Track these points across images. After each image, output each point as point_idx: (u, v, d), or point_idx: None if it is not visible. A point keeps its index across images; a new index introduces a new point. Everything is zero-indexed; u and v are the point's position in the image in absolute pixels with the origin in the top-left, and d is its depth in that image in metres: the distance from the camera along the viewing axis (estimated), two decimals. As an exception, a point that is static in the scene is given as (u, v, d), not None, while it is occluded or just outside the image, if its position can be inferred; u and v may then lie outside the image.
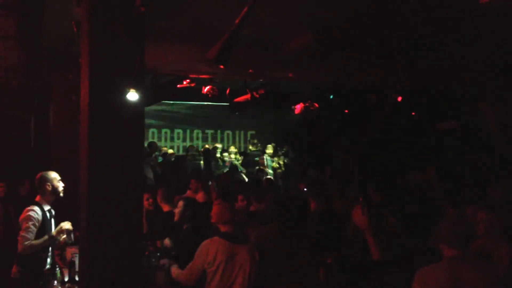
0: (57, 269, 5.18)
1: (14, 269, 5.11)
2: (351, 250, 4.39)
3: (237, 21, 3.33)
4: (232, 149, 13.54)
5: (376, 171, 10.43)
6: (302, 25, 6.71)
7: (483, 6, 5.12)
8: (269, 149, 13.27)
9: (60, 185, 5.31)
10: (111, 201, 4.09)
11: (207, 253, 4.06)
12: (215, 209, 4.31)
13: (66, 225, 5.21)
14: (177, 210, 5.66)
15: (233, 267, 4.04)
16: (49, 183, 5.24)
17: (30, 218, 5.03)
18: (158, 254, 5.28)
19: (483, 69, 8.53)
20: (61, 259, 5.73)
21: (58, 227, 5.20)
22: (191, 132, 15.77)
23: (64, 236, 5.23)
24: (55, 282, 4.90)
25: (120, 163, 4.10)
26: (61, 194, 5.31)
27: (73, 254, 5.25)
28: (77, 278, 4.90)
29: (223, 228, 4.23)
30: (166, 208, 6.60)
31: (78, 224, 4.68)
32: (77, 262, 5.01)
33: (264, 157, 13.00)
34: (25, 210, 5.10)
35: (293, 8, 6.00)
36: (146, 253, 5.27)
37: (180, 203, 5.62)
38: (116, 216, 4.09)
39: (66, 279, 5.15)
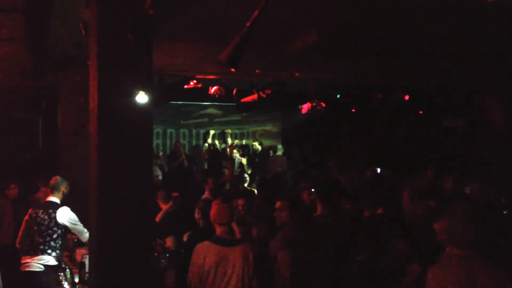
0: (67, 270, 5.22)
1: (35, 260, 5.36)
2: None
3: (248, 24, 3.31)
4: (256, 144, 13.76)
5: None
6: (308, 24, 6.71)
7: (490, 4, 5.12)
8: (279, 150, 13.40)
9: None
10: (121, 201, 4.11)
11: (198, 257, 4.08)
12: (213, 210, 4.30)
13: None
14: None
15: (225, 269, 4.05)
16: (65, 187, 5.67)
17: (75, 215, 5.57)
18: (167, 254, 5.30)
19: (490, 66, 8.49)
20: (70, 260, 5.77)
21: None
22: (197, 132, 15.77)
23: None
24: (66, 283, 4.93)
25: (129, 164, 4.12)
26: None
27: (83, 255, 5.28)
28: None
29: (218, 230, 4.23)
30: (164, 208, 6.91)
31: (88, 224, 4.72)
32: (87, 263, 5.04)
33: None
34: (64, 211, 5.51)
35: (299, 8, 6.00)
36: (156, 254, 5.30)
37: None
38: (126, 217, 4.11)
39: (76, 280, 5.18)
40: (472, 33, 6.91)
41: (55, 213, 5.46)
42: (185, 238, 5.53)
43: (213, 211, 4.29)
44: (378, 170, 9.89)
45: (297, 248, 4.32)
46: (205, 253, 4.06)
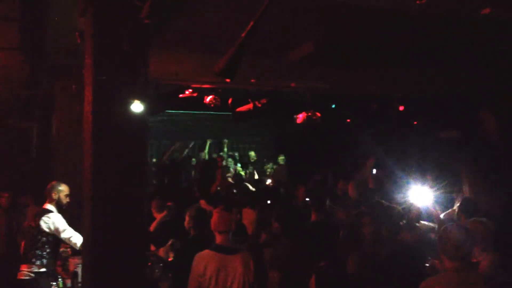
0: (60, 279, 5.18)
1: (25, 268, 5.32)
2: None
3: (243, 34, 3.30)
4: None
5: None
6: (304, 34, 6.73)
7: (484, 16, 5.16)
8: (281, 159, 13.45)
9: (65, 200, 5.58)
10: (115, 211, 4.09)
11: (198, 266, 4.07)
12: (214, 218, 4.31)
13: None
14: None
15: (225, 278, 4.04)
16: (55, 192, 5.52)
17: (62, 222, 5.40)
18: (161, 264, 5.27)
19: (485, 78, 8.53)
20: (63, 269, 5.72)
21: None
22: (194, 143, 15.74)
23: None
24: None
25: (124, 173, 4.11)
26: (63, 208, 5.59)
27: (76, 264, 5.25)
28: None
29: (218, 238, 4.23)
30: (158, 218, 6.83)
31: (81, 233, 4.68)
32: (80, 272, 5.00)
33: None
34: (46, 219, 5.37)
35: (295, 18, 6.02)
36: (149, 263, 5.26)
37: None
38: (120, 226, 4.09)
39: (69, 289, 5.14)
40: (467, 44, 6.95)
41: (40, 220, 5.38)
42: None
43: (214, 219, 4.28)
44: (374, 171, 9.85)
45: (286, 267, 4.30)
46: (205, 262, 4.06)
